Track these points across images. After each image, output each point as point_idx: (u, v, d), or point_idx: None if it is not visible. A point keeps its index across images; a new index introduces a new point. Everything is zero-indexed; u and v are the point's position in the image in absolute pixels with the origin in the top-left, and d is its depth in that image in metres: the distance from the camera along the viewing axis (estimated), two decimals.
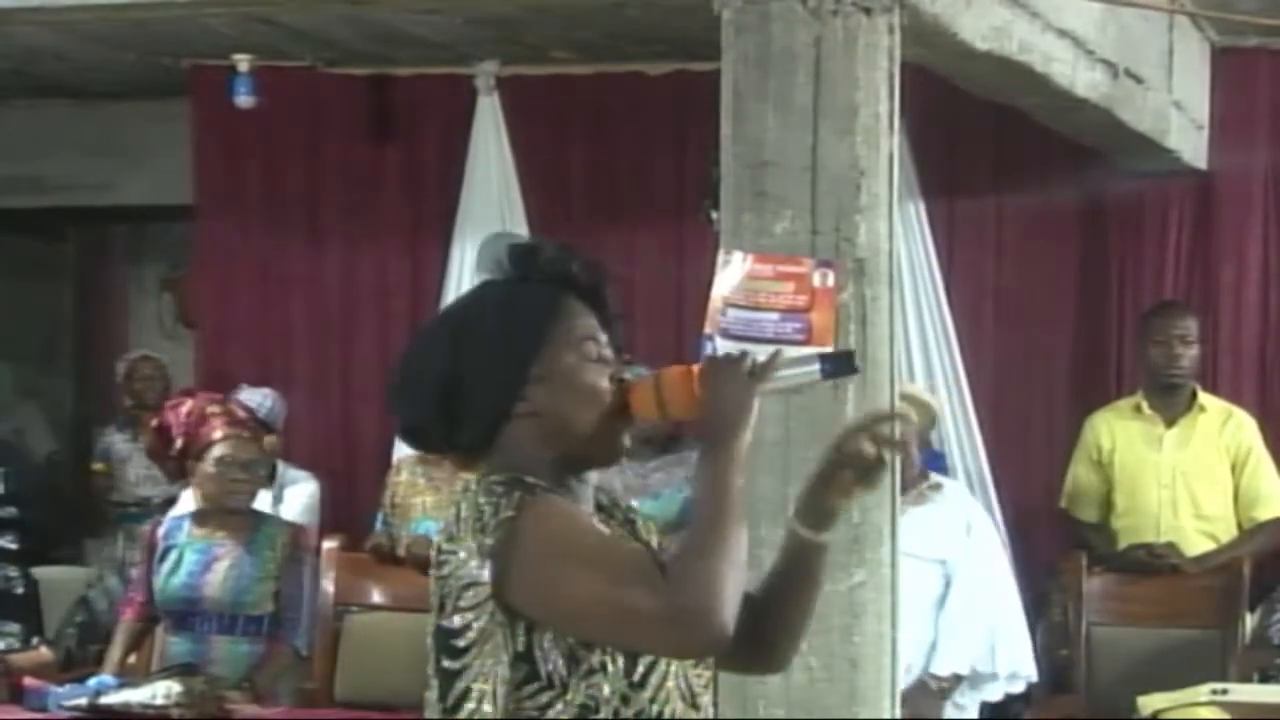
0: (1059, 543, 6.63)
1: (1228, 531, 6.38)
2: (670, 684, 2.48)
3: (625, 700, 2.44)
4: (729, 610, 2.33)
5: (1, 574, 7.98)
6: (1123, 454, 6.44)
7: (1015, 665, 5.73)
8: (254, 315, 7.74)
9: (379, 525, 6.54)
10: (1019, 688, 5.82)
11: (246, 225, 7.71)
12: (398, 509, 6.51)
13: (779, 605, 2.61)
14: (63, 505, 8.75)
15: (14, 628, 7.60)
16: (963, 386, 6.76)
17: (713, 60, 4.10)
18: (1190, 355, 6.41)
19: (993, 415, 6.87)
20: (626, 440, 2.56)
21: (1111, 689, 5.97)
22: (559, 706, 2.42)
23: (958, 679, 5.66)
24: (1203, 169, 6.92)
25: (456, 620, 2.43)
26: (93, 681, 5.26)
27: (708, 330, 3.87)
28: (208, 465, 5.51)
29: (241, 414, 5.72)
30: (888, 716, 3.97)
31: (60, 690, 5.22)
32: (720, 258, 3.93)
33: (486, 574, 2.39)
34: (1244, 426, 6.44)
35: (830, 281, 3.86)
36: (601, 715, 2.43)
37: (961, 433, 6.74)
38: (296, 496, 6.84)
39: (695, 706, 2.51)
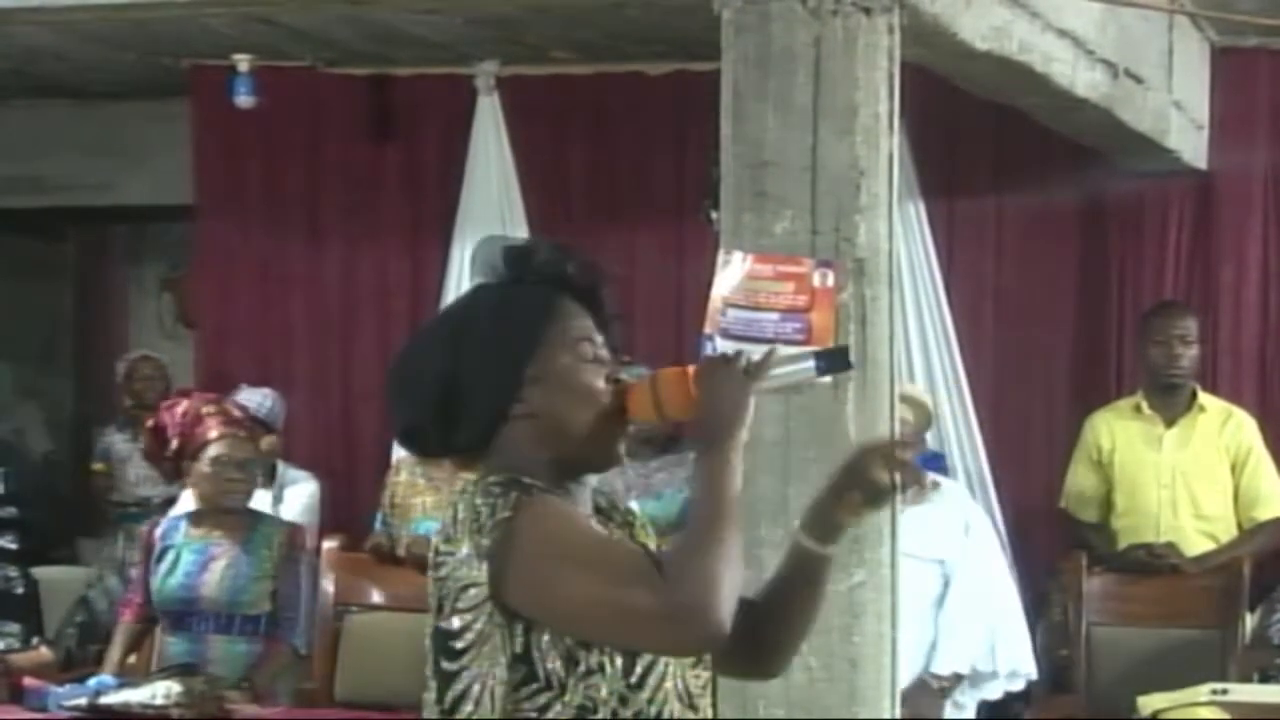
0: (1059, 543, 6.62)
1: (1228, 531, 6.37)
2: (668, 685, 2.47)
3: (623, 701, 2.44)
4: (726, 607, 2.33)
5: (1, 574, 7.99)
6: (1123, 454, 6.44)
7: (1015, 663, 5.74)
8: (254, 315, 7.73)
9: (379, 525, 6.54)
10: (1019, 686, 5.82)
11: (246, 225, 7.70)
12: (397, 509, 6.50)
13: (780, 612, 2.61)
14: (62, 505, 8.75)
15: (14, 628, 7.60)
16: (963, 386, 6.76)
17: (713, 60, 4.10)
18: (1190, 355, 6.41)
19: (993, 415, 6.87)
20: (623, 447, 2.55)
21: (1111, 689, 5.96)
22: (557, 707, 2.42)
23: (958, 678, 5.66)
24: (1203, 169, 6.92)
25: (455, 622, 2.43)
26: (92, 681, 5.25)
27: (708, 330, 3.88)
28: (203, 465, 5.51)
29: (237, 414, 5.72)
30: (888, 716, 3.97)
31: (60, 690, 5.21)
32: (720, 258, 3.94)
33: (484, 575, 2.39)
34: (1244, 426, 6.44)
35: (830, 281, 3.86)
36: (599, 716, 2.42)
37: (961, 433, 6.74)
38: (296, 496, 6.84)
39: (693, 708, 2.51)
